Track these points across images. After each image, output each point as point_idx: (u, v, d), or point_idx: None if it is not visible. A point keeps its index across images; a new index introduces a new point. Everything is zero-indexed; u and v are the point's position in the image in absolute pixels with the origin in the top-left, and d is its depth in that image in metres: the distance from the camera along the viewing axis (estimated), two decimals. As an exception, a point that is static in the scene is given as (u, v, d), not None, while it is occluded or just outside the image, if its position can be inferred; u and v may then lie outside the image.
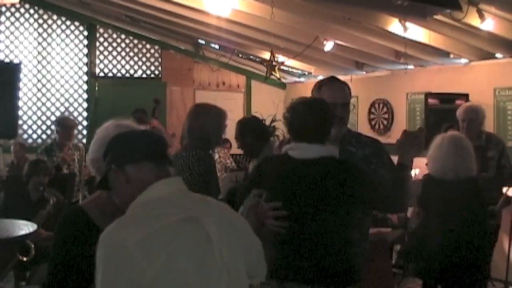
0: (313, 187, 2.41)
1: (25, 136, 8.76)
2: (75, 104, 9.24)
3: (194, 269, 1.52)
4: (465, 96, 6.83)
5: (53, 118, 8.97)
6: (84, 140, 8.96)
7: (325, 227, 2.42)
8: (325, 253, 2.42)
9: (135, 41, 9.62)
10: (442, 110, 6.71)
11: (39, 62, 8.95)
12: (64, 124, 6.62)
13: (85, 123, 9.21)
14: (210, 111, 3.57)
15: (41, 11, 8.97)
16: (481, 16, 5.61)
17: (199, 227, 1.57)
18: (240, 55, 9.69)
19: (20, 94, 7.30)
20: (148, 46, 9.71)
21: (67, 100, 9.16)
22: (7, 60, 8.51)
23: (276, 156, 2.61)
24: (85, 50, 9.31)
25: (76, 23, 9.23)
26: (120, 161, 1.72)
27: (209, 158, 3.49)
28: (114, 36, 9.51)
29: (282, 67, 8.67)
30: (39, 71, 8.95)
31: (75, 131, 8.94)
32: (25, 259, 4.23)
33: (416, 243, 3.89)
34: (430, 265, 3.67)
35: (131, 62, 9.63)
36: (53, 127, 8.89)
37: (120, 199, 1.76)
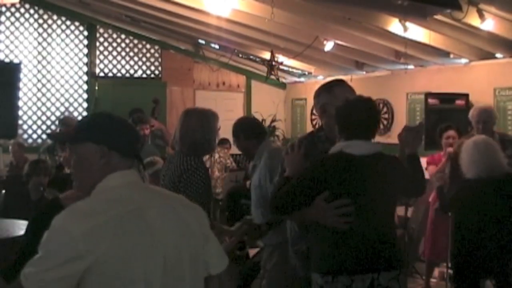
0: (374, 181, 2.58)
1: (25, 136, 8.76)
2: (75, 104, 9.24)
3: (133, 261, 1.58)
4: (465, 96, 6.83)
5: (53, 118, 8.98)
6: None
7: (384, 217, 2.64)
8: (386, 241, 2.61)
9: (135, 41, 9.63)
10: (442, 110, 6.71)
11: (39, 62, 8.95)
12: (68, 123, 6.62)
13: (85, 123, 9.20)
14: (200, 116, 3.50)
15: (41, 11, 8.97)
16: (481, 16, 5.61)
17: (141, 219, 1.64)
18: (240, 55, 9.69)
19: (20, 94, 7.29)
20: (148, 46, 9.71)
21: (67, 100, 9.16)
22: (7, 60, 8.51)
23: (331, 155, 2.65)
24: (85, 50, 9.31)
25: (76, 23, 9.23)
26: (112, 145, 1.74)
27: (202, 166, 3.42)
28: (114, 36, 9.51)
29: (282, 67, 8.67)
30: (39, 71, 8.95)
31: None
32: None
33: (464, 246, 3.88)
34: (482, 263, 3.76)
35: (131, 62, 9.63)
36: (53, 127, 8.91)
37: (85, 181, 1.75)
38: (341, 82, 3.01)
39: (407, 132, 2.84)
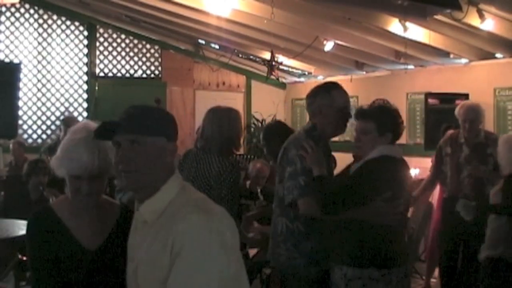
0: (407, 182, 2.96)
1: (25, 136, 8.76)
2: (75, 104, 9.24)
3: None
4: (465, 96, 6.83)
5: (53, 118, 8.98)
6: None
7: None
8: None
9: (135, 41, 9.63)
10: (442, 110, 6.72)
11: (39, 62, 8.95)
12: (71, 124, 6.64)
13: (85, 123, 9.20)
14: (229, 114, 3.52)
15: (41, 11, 8.97)
16: (481, 16, 5.61)
17: None
18: (240, 55, 9.69)
19: (20, 94, 7.30)
20: (148, 46, 9.71)
21: (67, 100, 9.16)
22: (7, 60, 8.51)
23: (385, 158, 2.86)
24: (85, 50, 9.31)
25: (76, 23, 9.23)
26: (171, 136, 1.70)
27: (237, 166, 3.47)
28: (114, 36, 9.51)
29: (282, 67, 8.67)
30: (39, 71, 8.95)
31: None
32: (25, 259, 4.24)
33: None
34: None
35: (131, 62, 9.63)
36: (53, 127, 8.92)
37: (144, 180, 1.63)
38: (338, 85, 3.12)
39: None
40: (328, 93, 3.02)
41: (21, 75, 6.34)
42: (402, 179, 2.86)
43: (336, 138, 3.22)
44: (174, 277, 1.50)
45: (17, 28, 8.79)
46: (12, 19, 8.78)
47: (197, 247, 1.50)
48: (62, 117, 8.36)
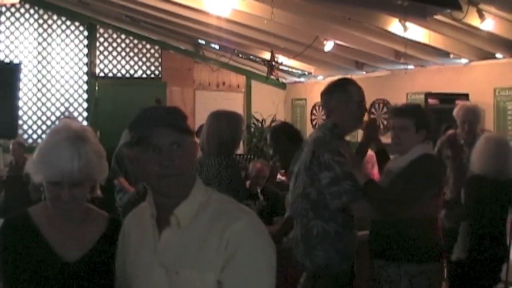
0: None
1: (25, 136, 8.76)
2: (75, 104, 9.24)
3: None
4: (465, 96, 6.83)
5: (53, 118, 8.98)
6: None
7: None
8: None
9: (135, 41, 9.63)
10: (442, 110, 6.70)
11: (39, 62, 8.95)
12: None
13: (85, 123, 9.21)
14: (229, 118, 3.61)
15: (41, 11, 8.98)
16: (481, 16, 5.61)
17: None
18: (240, 55, 9.69)
19: (20, 94, 7.30)
20: (148, 46, 9.71)
21: (67, 100, 9.16)
22: (7, 60, 8.51)
23: (430, 156, 3.06)
24: (85, 50, 9.31)
25: (76, 23, 9.23)
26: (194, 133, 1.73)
27: (235, 164, 3.54)
28: (114, 36, 9.51)
29: (282, 67, 8.67)
30: (39, 71, 8.95)
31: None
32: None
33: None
34: None
35: (131, 62, 9.63)
36: (53, 127, 8.92)
37: (185, 180, 1.58)
38: (352, 80, 3.13)
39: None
40: (344, 89, 3.00)
41: (21, 75, 6.35)
42: (442, 175, 3.07)
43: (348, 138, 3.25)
44: (231, 277, 1.52)
45: (17, 28, 8.79)
46: (12, 19, 8.78)
47: (253, 246, 1.54)
48: (61, 117, 8.35)
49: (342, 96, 2.97)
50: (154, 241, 1.62)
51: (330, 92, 3.03)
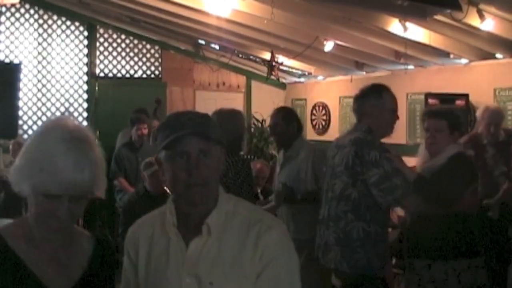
0: None
1: (25, 136, 8.74)
2: (75, 104, 9.24)
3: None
4: (465, 96, 6.83)
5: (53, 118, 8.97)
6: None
7: None
8: None
9: (135, 41, 9.62)
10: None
11: (39, 62, 8.95)
12: None
13: (85, 123, 9.21)
14: (235, 116, 3.63)
15: (41, 11, 8.97)
16: (481, 16, 5.61)
17: None
18: (240, 55, 9.69)
19: (20, 94, 7.29)
20: (148, 46, 9.71)
21: (67, 100, 9.16)
22: (7, 60, 8.51)
23: (462, 155, 3.17)
24: (85, 50, 9.30)
25: (76, 23, 9.23)
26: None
27: (244, 162, 3.58)
28: (114, 36, 9.51)
29: (282, 67, 8.67)
30: (39, 71, 8.95)
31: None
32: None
33: None
34: None
35: (131, 62, 9.63)
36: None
37: (214, 191, 1.58)
38: (387, 87, 3.21)
39: None
40: (379, 95, 3.09)
41: (21, 75, 6.34)
42: (477, 173, 3.17)
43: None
44: (267, 286, 1.54)
45: (17, 28, 8.79)
46: (12, 19, 8.78)
47: (287, 256, 1.57)
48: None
49: (376, 101, 3.06)
50: (180, 252, 1.55)
51: (365, 96, 3.10)
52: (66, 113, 9.02)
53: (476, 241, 3.05)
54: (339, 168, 2.96)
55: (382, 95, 3.08)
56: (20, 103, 7.98)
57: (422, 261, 3.00)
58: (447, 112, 3.20)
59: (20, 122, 8.34)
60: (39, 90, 8.94)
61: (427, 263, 2.97)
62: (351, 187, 2.91)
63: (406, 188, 2.82)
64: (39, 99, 8.95)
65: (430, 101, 6.97)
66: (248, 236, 1.54)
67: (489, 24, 5.74)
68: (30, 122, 8.88)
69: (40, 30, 8.96)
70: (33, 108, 8.90)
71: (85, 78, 9.30)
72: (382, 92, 3.10)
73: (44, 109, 8.98)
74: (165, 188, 5.28)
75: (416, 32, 6.33)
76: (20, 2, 8.32)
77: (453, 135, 3.11)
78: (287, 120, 4.12)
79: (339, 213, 2.94)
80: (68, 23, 9.16)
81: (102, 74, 9.40)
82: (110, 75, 9.48)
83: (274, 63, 7.30)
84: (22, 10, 8.84)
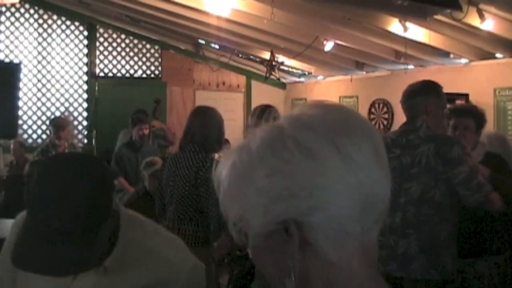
0: None
1: (25, 136, 8.76)
2: (75, 104, 9.24)
3: None
4: (465, 96, 6.83)
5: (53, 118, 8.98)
6: (85, 140, 8.97)
7: None
8: None
9: (135, 41, 9.62)
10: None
11: (39, 62, 8.95)
12: (55, 124, 6.64)
13: (85, 123, 9.21)
14: (213, 115, 3.58)
15: (41, 11, 8.97)
16: (481, 16, 5.61)
17: None
18: (240, 55, 9.69)
19: (20, 94, 7.29)
20: (148, 46, 9.71)
21: (67, 100, 9.16)
22: (7, 60, 8.51)
23: (491, 154, 3.19)
24: (85, 50, 9.31)
25: (76, 23, 9.23)
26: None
27: (211, 162, 3.46)
28: (114, 36, 9.51)
29: (282, 67, 8.67)
30: (39, 71, 8.95)
31: (75, 131, 8.97)
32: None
33: None
34: None
35: (131, 62, 9.63)
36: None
37: None
38: (440, 85, 3.08)
39: None
40: (438, 93, 2.96)
41: (21, 75, 6.34)
42: None
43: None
44: None
45: (17, 28, 8.79)
46: (12, 19, 8.78)
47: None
48: (61, 117, 8.33)
49: (436, 99, 2.93)
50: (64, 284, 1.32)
51: (424, 93, 2.94)
52: (66, 113, 9.02)
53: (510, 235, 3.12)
54: (414, 169, 2.73)
55: (440, 93, 2.97)
56: (20, 103, 7.98)
57: (467, 259, 2.96)
58: (474, 110, 3.19)
59: (20, 122, 8.35)
60: (39, 90, 8.94)
61: (470, 261, 2.98)
62: (433, 188, 2.69)
63: (488, 186, 2.69)
64: (39, 99, 8.95)
65: (430, 101, 6.96)
66: (147, 274, 1.31)
67: (489, 24, 5.75)
68: (30, 122, 8.88)
69: (40, 30, 8.96)
70: (33, 108, 8.90)
71: (85, 78, 9.30)
72: (440, 89, 2.99)
73: (44, 109, 8.98)
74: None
75: (416, 32, 6.33)
76: (20, 2, 8.32)
77: (478, 133, 3.13)
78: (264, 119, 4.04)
79: (421, 218, 2.70)
80: (68, 23, 9.16)
81: (102, 74, 9.40)
82: (110, 75, 9.48)
83: (274, 63, 7.29)
84: (22, 10, 8.84)
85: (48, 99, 9.02)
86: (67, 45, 9.15)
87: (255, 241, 0.80)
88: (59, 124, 6.67)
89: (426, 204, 2.70)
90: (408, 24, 6.03)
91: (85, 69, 9.30)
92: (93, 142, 7.17)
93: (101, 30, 9.40)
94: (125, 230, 1.29)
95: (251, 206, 0.79)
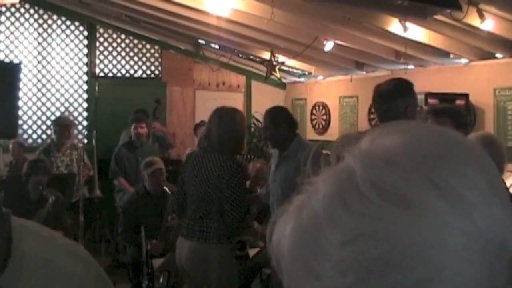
0: None
1: (25, 136, 8.76)
2: (75, 104, 9.24)
3: None
4: (465, 96, 6.84)
5: (53, 118, 8.96)
6: (85, 140, 8.97)
7: None
8: None
9: (135, 41, 9.62)
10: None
11: (39, 62, 8.95)
12: (61, 124, 6.65)
13: (85, 123, 9.21)
14: (234, 116, 3.57)
15: (41, 11, 8.97)
16: (481, 16, 5.61)
17: None
18: (240, 55, 9.69)
19: (20, 94, 7.30)
20: (148, 46, 9.71)
21: (67, 100, 9.16)
22: (7, 60, 8.51)
23: None
24: (85, 50, 9.30)
25: (76, 23, 9.23)
26: None
27: (236, 167, 3.47)
28: (114, 36, 9.51)
29: (282, 67, 8.67)
30: (39, 71, 8.95)
31: (75, 131, 8.97)
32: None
33: None
34: None
35: (131, 62, 9.63)
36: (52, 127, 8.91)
37: None
38: (411, 83, 2.91)
39: None
40: (413, 92, 2.69)
41: (21, 75, 6.34)
42: None
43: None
44: None
45: (17, 28, 8.79)
46: (12, 19, 8.77)
47: None
48: (53, 118, 8.28)
49: (413, 100, 2.67)
50: None
51: (403, 94, 2.67)
52: (66, 113, 9.02)
53: None
54: None
55: (414, 92, 2.77)
56: (20, 103, 7.98)
57: None
58: (451, 110, 2.97)
59: (20, 122, 8.35)
60: (39, 90, 8.94)
61: None
62: None
63: None
64: (39, 99, 8.94)
65: (430, 100, 6.96)
66: (40, 284, 1.13)
67: (489, 24, 5.75)
68: (30, 122, 8.88)
69: (40, 30, 8.96)
70: (33, 108, 8.90)
71: (85, 78, 9.30)
72: (413, 88, 2.79)
73: (44, 109, 8.98)
74: (165, 187, 5.30)
75: (416, 32, 6.33)
76: (20, 2, 8.32)
77: None
78: (276, 122, 3.94)
79: None
80: (68, 23, 9.16)
81: (102, 74, 9.40)
82: (110, 75, 9.48)
83: (275, 63, 7.29)
84: (22, 10, 8.84)
85: (48, 99, 9.01)
86: (67, 45, 9.15)
87: None
88: (65, 123, 6.69)
89: None
90: (408, 24, 6.03)
91: (85, 69, 9.30)
92: (93, 142, 7.17)
93: (101, 30, 9.40)
94: (17, 242, 1.12)
95: None
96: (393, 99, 2.66)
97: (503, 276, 0.54)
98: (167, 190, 5.24)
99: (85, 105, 9.28)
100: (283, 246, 0.60)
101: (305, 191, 0.60)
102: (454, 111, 3.02)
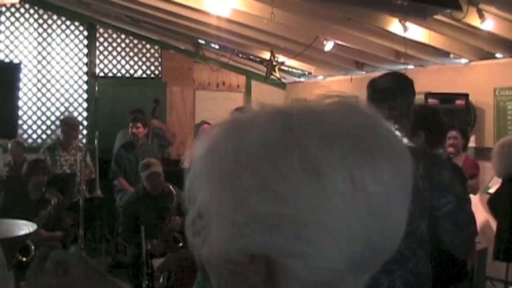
0: None
1: (25, 136, 8.75)
2: (75, 104, 9.24)
3: None
4: (465, 96, 6.84)
5: (53, 118, 8.97)
6: (84, 140, 8.96)
7: None
8: None
9: (135, 41, 9.62)
10: (442, 110, 6.71)
11: (39, 62, 8.95)
12: (69, 123, 6.66)
13: (85, 123, 9.21)
14: None
15: (41, 11, 8.97)
16: (481, 16, 5.61)
17: None
18: (240, 55, 9.69)
19: (20, 94, 7.30)
20: (148, 46, 9.71)
21: (67, 100, 9.15)
22: (7, 60, 8.50)
23: None
24: (85, 50, 9.30)
25: (76, 23, 9.22)
26: None
27: None
28: (114, 36, 9.51)
29: (282, 67, 8.67)
30: (39, 71, 8.94)
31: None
32: (25, 259, 4.24)
33: None
34: None
35: (131, 62, 9.63)
36: (53, 127, 8.91)
37: None
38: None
39: None
40: (414, 88, 2.35)
41: (21, 75, 6.34)
42: None
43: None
44: None
45: (17, 28, 8.79)
46: (12, 19, 8.77)
47: None
48: (61, 117, 8.32)
49: (414, 97, 2.38)
50: None
51: (406, 90, 2.35)
52: (66, 113, 9.02)
53: None
54: None
55: (414, 88, 2.43)
56: (20, 103, 7.98)
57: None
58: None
59: (20, 122, 8.35)
60: (39, 90, 8.94)
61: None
62: (420, 219, 2.20)
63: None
64: (39, 99, 8.94)
65: (430, 101, 6.97)
66: None
67: (489, 24, 5.75)
68: (30, 122, 8.88)
69: (40, 30, 8.96)
70: (33, 108, 8.90)
71: (85, 78, 9.30)
72: (413, 84, 2.46)
73: (44, 109, 8.97)
74: (171, 187, 5.28)
75: (416, 32, 6.33)
76: (20, 2, 8.32)
77: (415, 136, 2.69)
78: None
79: (405, 252, 2.17)
80: (68, 23, 9.16)
81: (102, 74, 9.39)
82: (110, 75, 9.48)
83: (274, 63, 7.29)
84: (22, 10, 8.84)
85: (48, 99, 9.01)
86: (67, 45, 9.15)
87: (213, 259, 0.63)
88: (73, 123, 6.71)
89: (410, 238, 2.17)
90: (408, 24, 6.03)
91: (85, 69, 9.30)
92: (95, 142, 7.16)
93: (101, 30, 9.40)
94: None
95: (220, 213, 0.61)
96: (394, 97, 2.32)
97: (368, 273, 0.65)
98: (173, 190, 5.21)
99: (85, 105, 9.28)
100: (202, 153, 0.64)
101: (243, 117, 0.66)
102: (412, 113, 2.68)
